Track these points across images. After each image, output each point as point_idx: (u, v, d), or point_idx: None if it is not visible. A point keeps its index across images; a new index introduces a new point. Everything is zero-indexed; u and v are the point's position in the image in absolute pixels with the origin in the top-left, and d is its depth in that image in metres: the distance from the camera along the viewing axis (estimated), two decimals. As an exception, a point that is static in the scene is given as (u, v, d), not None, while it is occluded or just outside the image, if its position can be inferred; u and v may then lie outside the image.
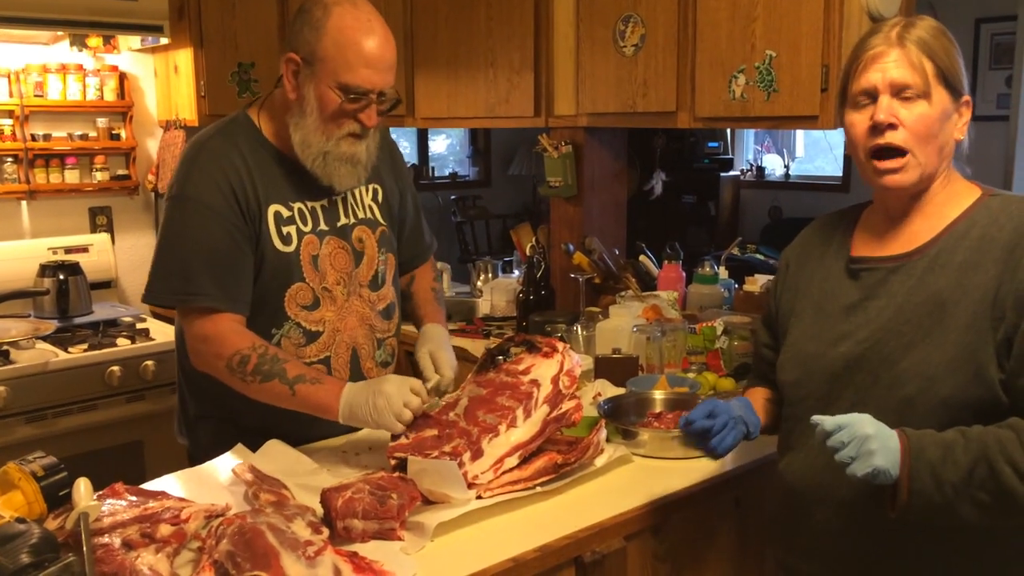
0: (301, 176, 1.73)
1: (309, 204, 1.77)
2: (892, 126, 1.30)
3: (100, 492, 1.40)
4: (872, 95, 1.32)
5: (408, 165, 7.53)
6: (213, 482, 1.61)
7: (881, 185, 1.35)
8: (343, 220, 1.81)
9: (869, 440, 1.23)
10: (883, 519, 1.30)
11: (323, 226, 1.78)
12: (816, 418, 1.27)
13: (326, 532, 1.34)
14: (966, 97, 1.35)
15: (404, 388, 1.60)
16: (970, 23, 5.59)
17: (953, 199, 1.37)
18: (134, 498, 1.42)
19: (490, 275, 3.36)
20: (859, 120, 1.34)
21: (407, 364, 2.95)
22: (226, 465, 1.64)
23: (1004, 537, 1.32)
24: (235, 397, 1.69)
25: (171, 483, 1.60)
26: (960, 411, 1.27)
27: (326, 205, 1.79)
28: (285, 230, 1.73)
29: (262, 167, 1.72)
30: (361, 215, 1.85)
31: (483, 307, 3.13)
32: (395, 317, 1.92)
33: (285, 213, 1.73)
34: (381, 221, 1.89)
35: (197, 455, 1.81)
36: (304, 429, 1.75)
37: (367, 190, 1.87)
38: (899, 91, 1.31)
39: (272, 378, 1.63)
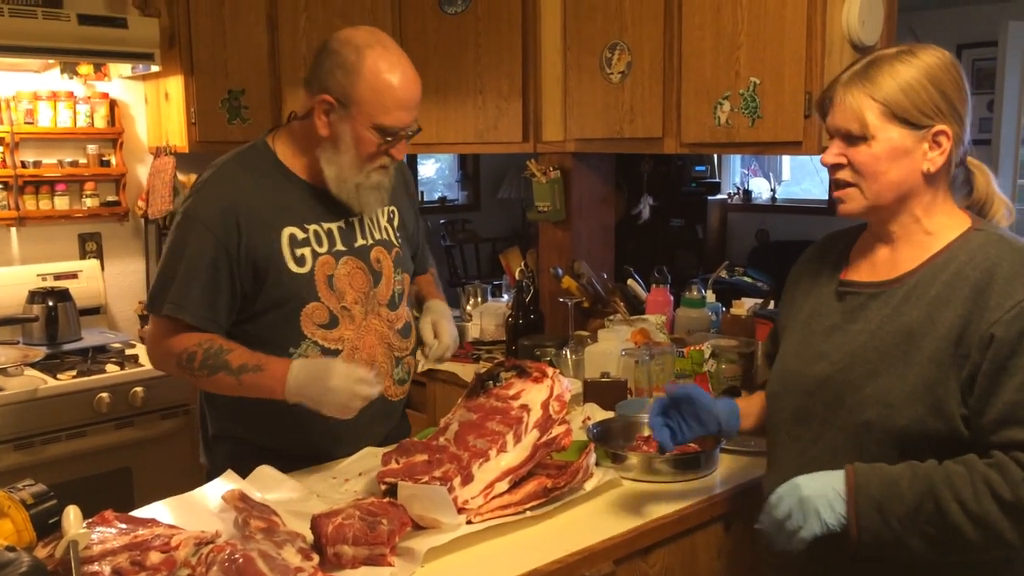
0: (318, 199, 1.80)
1: (325, 226, 1.82)
2: (838, 166, 1.39)
3: (90, 520, 1.39)
4: (831, 136, 1.41)
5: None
6: (203, 509, 1.60)
7: (838, 213, 1.43)
8: (360, 241, 1.86)
9: (809, 501, 1.30)
10: (842, 538, 1.33)
11: (340, 246, 1.83)
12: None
13: (316, 558, 1.34)
14: (938, 127, 1.34)
15: (349, 383, 1.64)
16: (952, 49, 5.64)
17: (940, 230, 1.39)
18: (124, 526, 1.41)
19: (479, 299, 3.37)
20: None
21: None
22: (216, 491, 1.64)
23: (962, 568, 1.33)
24: (250, 416, 1.74)
25: (161, 510, 1.60)
26: (917, 441, 1.31)
27: (343, 226, 1.84)
28: (299, 252, 1.77)
29: (277, 191, 1.79)
30: (378, 236, 1.90)
31: (472, 331, 3.14)
32: (412, 336, 1.97)
33: (300, 235, 1.78)
34: (396, 243, 1.94)
35: (215, 475, 1.80)
36: (320, 447, 1.80)
37: (383, 212, 1.93)
38: (843, 135, 1.38)
39: (218, 371, 1.69)
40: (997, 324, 1.26)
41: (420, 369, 1.84)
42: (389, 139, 1.73)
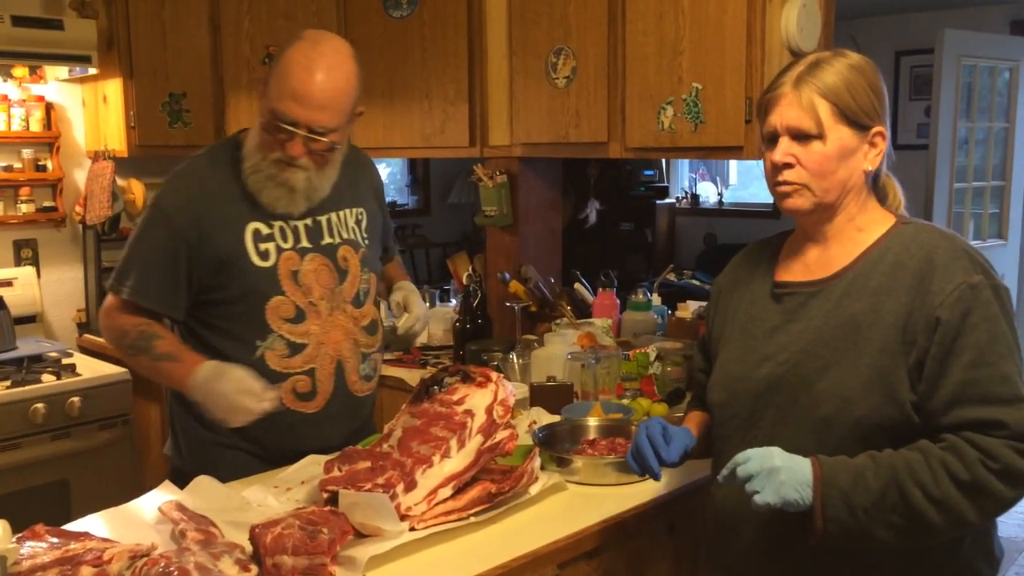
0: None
1: (292, 223, 1.86)
2: (788, 165, 1.38)
3: (20, 534, 1.36)
4: (774, 137, 1.40)
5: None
6: (140, 521, 1.57)
7: (783, 208, 1.42)
8: (327, 239, 1.90)
9: (777, 472, 1.29)
10: (804, 540, 1.33)
11: (305, 243, 1.86)
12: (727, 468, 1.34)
13: (255, 570, 1.32)
14: (877, 129, 1.39)
15: (233, 391, 1.71)
16: (890, 56, 5.80)
17: (869, 226, 1.43)
18: (55, 540, 1.38)
19: (428, 304, 3.35)
20: (767, 158, 1.43)
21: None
22: (153, 503, 1.60)
23: (918, 553, 1.36)
24: None
25: (97, 523, 1.56)
26: (873, 431, 1.32)
27: (310, 224, 1.88)
28: (263, 246, 1.82)
29: (245, 186, 1.81)
30: (346, 236, 1.93)
31: (421, 336, 3.12)
32: (379, 333, 2.00)
33: (264, 230, 1.83)
34: (363, 243, 1.97)
35: (181, 467, 1.90)
36: (282, 443, 1.84)
37: (351, 213, 1.97)
38: (794, 134, 1.38)
39: (141, 353, 1.80)
40: (942, 307, 1.29)
41: (402, 338, 2.03)
42: (278, 126, 1.71)
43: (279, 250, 1.83)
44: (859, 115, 1.37)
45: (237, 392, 1.70)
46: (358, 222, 1.99)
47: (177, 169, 1.87)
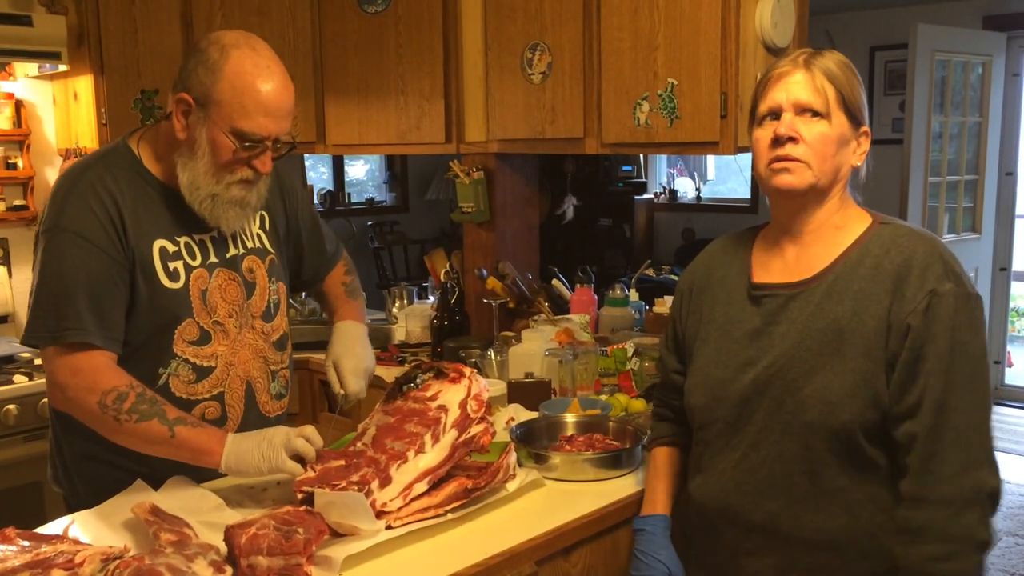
0: (186, 209, 1.66)
1: (197, 237, 1.71)
2: (792, 139, 1.37)
3: (-11, 538, 1.34)
4: (776, 113, 1.39)
5: (324, 191, 7.25)
6: (114, 523, 1.55)
7: (774, 188, 1.40)
8: (232, 251, 1.76)
9: None
10: (790, 540, 1.34)
11: (213, 258, 1.72)
12: None
13: (229, 571, 1.31)
14: (865, 128, 1.42)
15: (290, 435, 1.57)
16: (865, 51, 5.85)
17: (847, 225, 1.43)
18: (26, 543, 1.36)
19: (405, 301, 3.35)
20: (763, 135, 1.41)
21: (313, 392, 2.92)
22: (128, 504, 1.58)
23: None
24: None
25: (70, 525, 1.54)
26: (855, 434, 1.33)
27: (215, 236, 1.73)
28: (172, 266, 1.66)
29: (144, 200, 1.66)
30: (250, 245, 1.80)
31: (399, 334, 3.12)
32: (288, 348, 1.87)
33: (171, 248, 1.67)
34: (270, 249, 1.84)
35: (75, 503, 1.71)
36: (188, 468, 1.66)
37: (255, 218, 1.82)
38: (801, 110, 1.37)
39: (151, 418, 1.55)
40: (912, 314, 1.30)
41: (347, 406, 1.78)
42: (248, 146, 1.59)
43: (188, 268, 1.67)
44: (855, 108, 1.39)
45: (291, 434, 1.56)
46: (261, 227, 1.83)
47: (66, 185, 1.63)
